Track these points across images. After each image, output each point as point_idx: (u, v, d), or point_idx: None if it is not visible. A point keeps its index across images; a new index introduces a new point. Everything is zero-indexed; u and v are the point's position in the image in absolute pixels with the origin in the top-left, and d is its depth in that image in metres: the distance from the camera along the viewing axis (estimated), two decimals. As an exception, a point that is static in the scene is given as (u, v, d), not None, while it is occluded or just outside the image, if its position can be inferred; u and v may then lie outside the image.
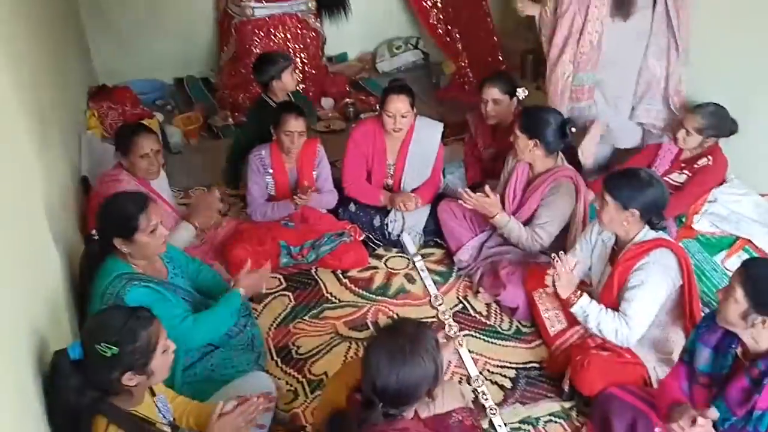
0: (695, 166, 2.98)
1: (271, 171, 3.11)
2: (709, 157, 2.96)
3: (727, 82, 3.04)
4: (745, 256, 2.79)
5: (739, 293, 1.71)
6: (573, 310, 2.34)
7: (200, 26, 4.99)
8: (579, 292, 2.32)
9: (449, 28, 4.69)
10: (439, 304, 2.92)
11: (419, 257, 3.20)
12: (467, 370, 2.58)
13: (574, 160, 3.05)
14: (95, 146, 3.44)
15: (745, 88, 2.99)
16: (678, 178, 3.02)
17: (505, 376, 2.57)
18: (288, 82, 3.41)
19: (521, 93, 3.19)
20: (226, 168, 3.71)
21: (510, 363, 2.63)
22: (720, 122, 2.92)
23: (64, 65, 3.52)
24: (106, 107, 3.97)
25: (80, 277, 2.27)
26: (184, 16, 4.90)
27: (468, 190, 2.84)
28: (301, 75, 4.46)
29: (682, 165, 3.03)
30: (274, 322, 2.82)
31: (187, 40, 5.01)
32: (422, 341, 1.56)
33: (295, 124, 2.97)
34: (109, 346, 1.52)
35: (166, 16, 4.84)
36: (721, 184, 3.01)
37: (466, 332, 2.78)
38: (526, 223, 2.86)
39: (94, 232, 2.08)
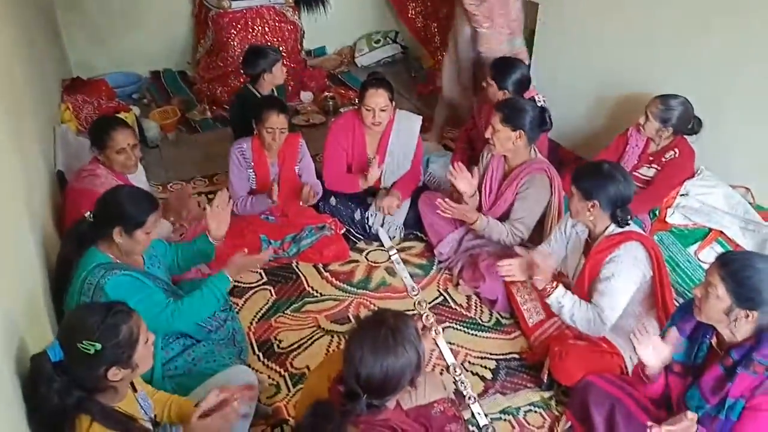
0: (663, 159, 3.02)
1: (252, 164, 3.09)
2: (676, 150, 2.99)
3: (697, 74, 3.10)
4: (718, 248, 2.86)
5: (721, 290, 1.72)
6: (548, 300, 2.38)
7: (176, 18, 4.93)
8: (555, 283, 2.36)
9: (428, 22, 4.71)
10: (416, 295, 2.94)
11: (395, 250, 3.22)
12: (445, 359, 2.61)
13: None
14: (70, 140, 3.38)
15: (715, 80, 3.05)
16: (647, 172, 3.06)
17: (485, 367, 2.60)
18: (278, 75, 3.41)
19: (540, 99, 3.13)
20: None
21: (490, 354, 2.66)
22: (681, 115, 2.91)
23: (37, 57, 3.45)
24: (81, 100, 3.90)
25: (62, 259, 2.22)
26: (160, 8, 4.85)
27: (447, 200, 2.82)
28: (280, 68, 4.44)
29: (650, 159, 3.06)
30: (255, 316, 2.82)
31: (164, 32, 4.96)
32: (404, 331, 1.58)
33: (277, 121, 2.95)
34: (91, 343, 1.50)
35: (142, 8, 4.78)
36: (692, 176, 3.05)
37: (447, 324, 2.81)
38: (503, 216, 2.89)
39: (89, 213, 2.03)
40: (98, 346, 1.50)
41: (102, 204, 2.03)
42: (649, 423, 1.78)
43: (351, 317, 2.83)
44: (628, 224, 2.31)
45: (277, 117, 2.94)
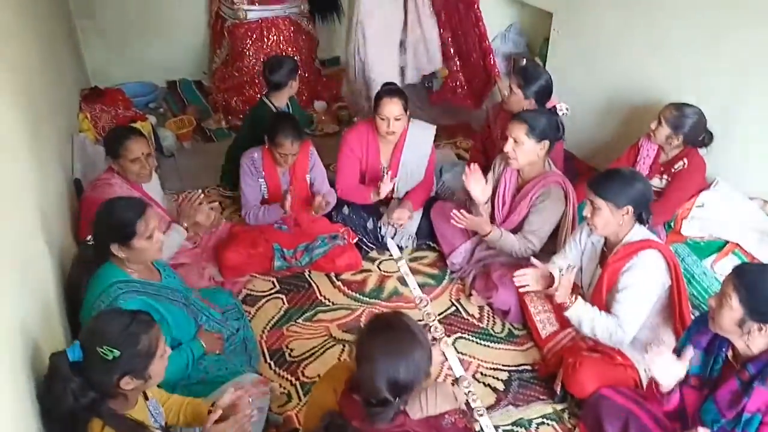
0: (672, 170, 2.99)
1: (263, 173, 3.11)
2: (685, 160, 2.96)
3: (711, 84, 3.08)
4: (735, 260, 2.82)
5: (735, 301, 1.70)
6: (567, 314, 2.35)
7: (192, 29, 5.00)
8: (574, 297, 2.34)
9: (441, 32, 4.71)
10: (424, 306, 2.93)
11: (403, 260, 3.21)
12: (454, 371, 2.60)
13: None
14: (88, 149, 3.43)
15: (730, 91, 3.02)
16: (659, 183, 3.02)
17: (497, 378, 2.59)
18: (295, 86, 3.47)
19: (563, 108, 3.02)
20: (225, 168, 3.71)
21: (502, 365, 2.64)
22: (695, 125, 2.89)
23: (57, 67, 3.51)
24: (99, 109, 3.95)
25: (70, 283, 2.25)
26: (177, 19, 4.91)
27: (462, 211, 2.81)
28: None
29: (662, 169, 3.04)
30: (267, 324, 2.83)
31: (180, 43, 5.02)
32: (407, 324, 1.60)
33: (291, 148, 2.96)
34: (111, 349, 1.52)
35: (159, 18, 4.85)
36: (705, 188, 3.00)
37: (459, 335, 2.80)
38: (516, 228, 2.88)
39: (89, 238, 2.07)
40: (117, 353, 1.52)
41: (95, 224, 2.04)
42: None
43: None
44: (649, 221, 2.30)
45: (291, 145, 2.95)
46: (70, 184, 3.01)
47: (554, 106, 3.10)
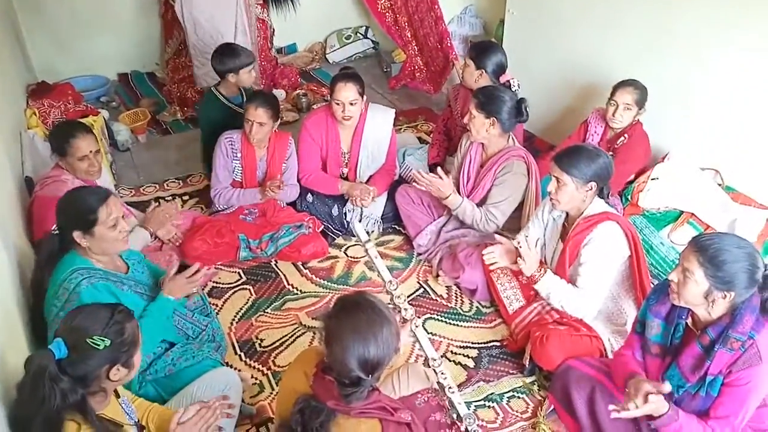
0: (615, 146, 3.09)
1: (239, 155, 3.09)
2: (626, 135, 3.08)
3: (664, 59, 3.16)
4: (690, 229, 2.92)
5: (699, 275, 1.73)
6: (537, 287, 2.40)
7: (143, 19, 4.86)
8: (542, 270, 2.39)
9: (397, 16, 4.70)
10: (394, 289, 2.95)
11: (371, 243, 3.22)
12: (425, 351, 2.62)
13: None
14: (38, 146, 3.31)
15: (683, 68, 3.11)
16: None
17: (467, 356, 2.62)
18: (244, 79, 3.38)
19: (515, 83, 3.17)
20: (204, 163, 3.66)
21: (472, 343, 2.68)
22: (645, 92, 3.04)
23: (-1, 62, 3.38)
24: (48, 105, 3.80)
25: (34, 279, 2.18)
26: (126, 9, 4.77)
27: (421, 171, 2.88)
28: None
29: (608, 146, 3.13)
30: (235, 316, 2.80)
31: (130, 33, 4.88)
32: (372, 302, 1.61)
33: (253, 114, 2.96)
34: (102, 338, 1.52)
35: (107, 10, 4.69)
36: (649, 159, 3.10)
37: (428, 315, 2.82)
38: (481, 204, 2.91)
39: (54, 227, 2.02)
40: (107, 341, 1.53)
41: (57, 213, 2.01)
42: (611, 407, 1.81)
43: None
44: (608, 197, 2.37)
45: (254, 110, 2.95)
46: (20, 182, 2.90)
47: (508, 81, 3.15)
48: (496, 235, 2.51)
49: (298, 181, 3.27)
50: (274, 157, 3.14)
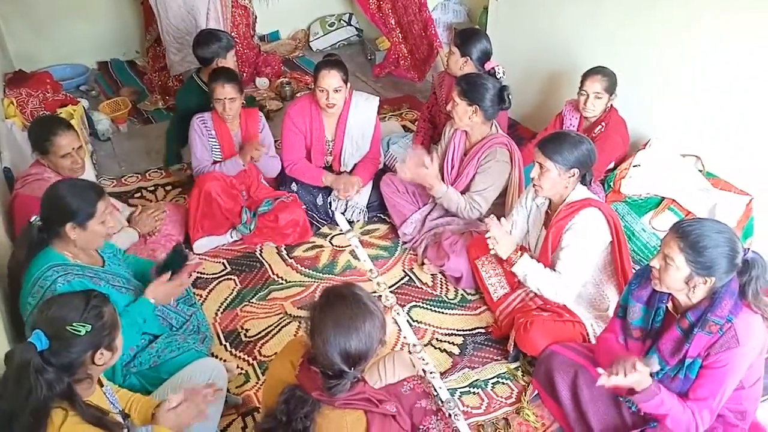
0: (593, 135, 3.10)
1: (214, 133, 3.08)
2: (603, 124, 3.10)
3: (644, 47, 3.18)
4: (671, 215, 2.95)
5: (680, 261, 1.76)
6: (514, 269, 2.42)
7: (122, 6, 4.79)
8: (520, 252, 2.41)
9: (381, 3, 4.67)
10: (376, 278, 2.96)
11: (352, 232, 3.22)
12: (407, 338, 2.64)
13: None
14: (16, 136, 3.25)
15: (662, 56, 3.12)
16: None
17: (453, 343, 2.64)
18: (231, 63, 3.37)
19: (500, 70, 3.18)
20: (169, 149, 3.63)
21: (457, 330, 2.70)
22: (613, 78, 3.06)
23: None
24: (25, 94, 3.74)
25: (10, 278, 2.15)
26: (104, -4, 4.69)
27: (406, 161, 2.87)
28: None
29: (586, 135, 3.15)
30: (220, 307, 2.79)
31: (109, 21, 4.80)
32: (357, 294, 1.61)
33: (222, 92, 2.95)
34: (81, 324, 1.52)
35: (85, -4, 4.62)
36: (627, 146, 3.13)
37: (414, 303, 2.83)
38: (465, 191, 2.92)
39: (35, 218, 1.97)
40: (88, 326, 1.52)
41: (47, 204, 1.96)
42: (600, 371, 1.81)
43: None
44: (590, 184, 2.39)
45: (222, 88, 2.94)
46: (-1, 173, 2.86)
47: (493, 68, 3.15)
48: (486, 220, 2.50)
49: (283, 170, 3.26)
50: (248, 131, 3.14)
